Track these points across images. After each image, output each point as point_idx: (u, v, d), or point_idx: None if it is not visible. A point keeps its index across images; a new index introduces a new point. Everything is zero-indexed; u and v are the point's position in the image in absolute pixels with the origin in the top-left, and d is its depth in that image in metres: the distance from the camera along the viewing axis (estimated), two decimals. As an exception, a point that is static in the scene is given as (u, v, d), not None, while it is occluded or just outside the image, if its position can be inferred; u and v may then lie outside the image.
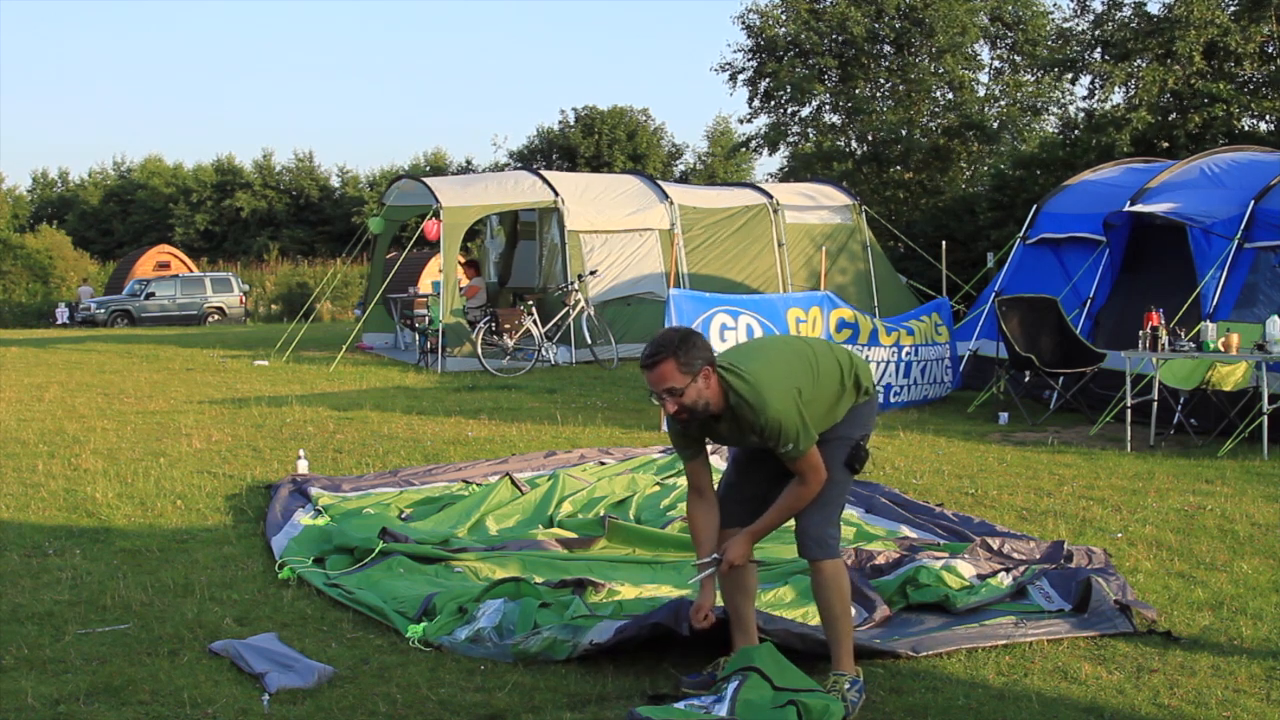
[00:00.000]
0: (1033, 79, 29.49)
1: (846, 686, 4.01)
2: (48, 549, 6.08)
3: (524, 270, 18.84)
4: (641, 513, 6.84)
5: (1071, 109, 27.49)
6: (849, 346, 10.96)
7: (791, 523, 4.18)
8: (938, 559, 5.35)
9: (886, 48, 30.42)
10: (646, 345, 3.90)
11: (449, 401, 12.28)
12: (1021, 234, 13.42)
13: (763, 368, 3.96)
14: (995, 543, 5.73)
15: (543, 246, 17.88)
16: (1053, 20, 29.16)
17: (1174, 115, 22.33)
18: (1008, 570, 5.31)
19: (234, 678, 4.28)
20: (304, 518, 6.53)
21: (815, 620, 4.84)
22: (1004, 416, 10.83)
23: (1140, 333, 9.48)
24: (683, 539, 6.15)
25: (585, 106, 45.92)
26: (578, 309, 15.95)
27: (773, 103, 31.36)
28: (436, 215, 15.97)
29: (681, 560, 5.82)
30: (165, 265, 38.92)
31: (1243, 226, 10.55)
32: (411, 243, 17.75)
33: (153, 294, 34.25)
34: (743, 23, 30.65)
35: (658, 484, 7.42)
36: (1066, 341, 11.17)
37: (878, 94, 31.02)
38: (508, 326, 15.49)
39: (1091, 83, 24.56)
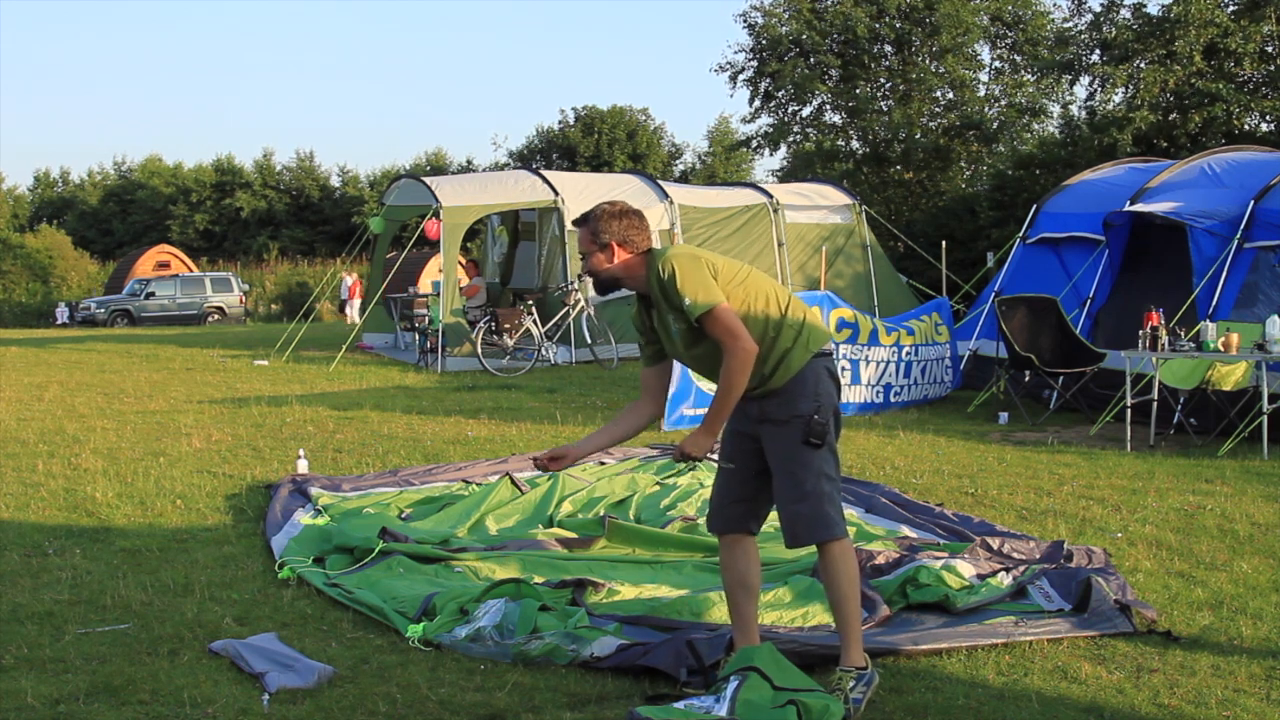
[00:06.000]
0: (1033, 79, 29.52)
1: (851, 684, 3.98)
2: (48, 549, 6.08)
3: (524, 270, 18.84)
4: (641, 513, 6.84)
5: (1072, 109, 27.54)
6: (849, 346, 11.00)
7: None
8: (938, 559, 5.35)
9: (887, 47, 30.45)
10: None
11: (449, 401, 12.28)
12: (1021, 234, 13.41)
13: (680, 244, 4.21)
14: (995, 542, 5.72)
15: (543, 246, 17.88)
16: (1052, 21, 29.20)
17: (1174, 115, 22.34)
18: (1008, 570, 5.31)
19: (234, 678, 4.27)
20: (304, 517, 6.53)
21: (815, 620, 4.86)
22: (1004, 416, 10.83)
23: (1140, 332, 9.48)
24: (683, 539, 6.16)
25: (585, 106, 46.04)
26: (578, 309, 15.96)
27: (773, 102, 31.40)
28: (436, 215, 15.98)
29: (681, 560, 5.82)
30: (165, 265, 38.94)
31: (1243, 226, 10.54)
32: (411, 243, 17.76)
33: (153, 294, 34.27)
34: (745, 20, 30.73)
35: (658, 484, 7.42)
36: (1066, 341, 11.16)
37: (878, 94, 31.04)
38: (508, 326, 15.50)
39: (1091, 83, 24.58)
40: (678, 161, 48.52)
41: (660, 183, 18.16)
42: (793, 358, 4.09)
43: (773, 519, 4.37)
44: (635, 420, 4.35)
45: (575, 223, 4.25)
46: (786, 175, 31.93)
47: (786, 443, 4.07)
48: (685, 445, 4.12)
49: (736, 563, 4.24)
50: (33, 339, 24.55)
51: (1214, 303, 10.33)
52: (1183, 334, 9.58)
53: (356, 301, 31.80)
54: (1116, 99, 23.65)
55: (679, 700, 3.95)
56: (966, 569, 5.25)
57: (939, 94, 30.72)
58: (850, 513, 6.49)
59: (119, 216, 53.06)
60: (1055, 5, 32.84)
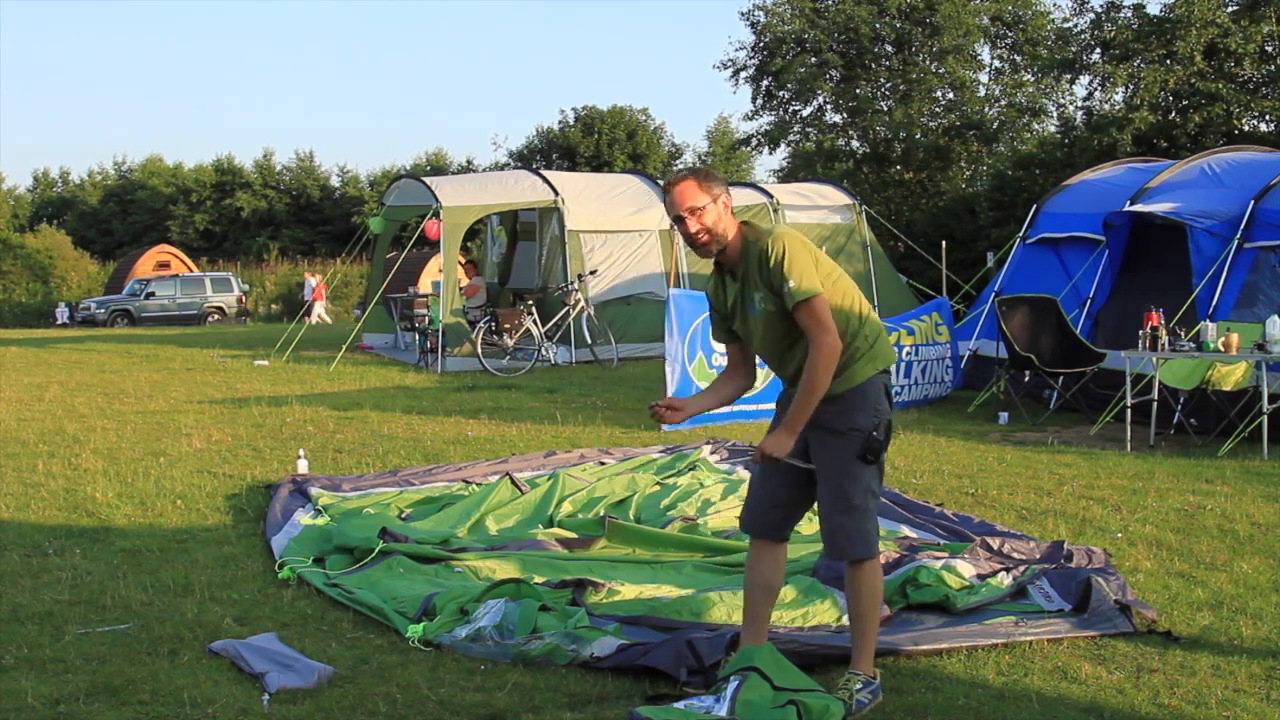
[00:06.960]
0: (1033, 79, 29.55)
1: (858, 686, 3.98)
2: (48, 549, 6.08)
3: (524, 270, 18.84)
4: (641, 513, 6.83)
5: (1071, 109, 27.56)
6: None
7: (803, 525, 4.14)
8: (938, 559, 5.35)
9: (888, 47, 30.47)
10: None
11: (449, 401, 12.28)
12: (1021, 234, 13.41)
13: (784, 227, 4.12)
14: (995, 542, 5.72)
15: (543, 246, 17.88)
16: (1053, 21, 29.22)
17: (1174, 115, 22.35)
18: (1008, 570, 5.31)
19: (234, 678, 4.27)
20: (304, 517, 6.53)
21: (815, 620, 4.86)
22: (1004, 416, 10.82)
23: (1140, 332, 9.47)
24: (683, 539, 6.16)
25: (585, 106, 46.04)
26: (578, 309, 15.95)
27: (775, 101, 31.44)
28: (436, 215, 15.98)
29: (681, 560, 5.82)
30: (165, 265, 38.95)
31: (1243, 226, 10.54)
32: (411, 243, 17.75)
33: (153, 294, 34.28)
34: (748, 19, 30.81)
35: (658, 484, 7.42)
36: (1066, 341, 11.16)
37: (879, 94, 31.07)
38: (508, 326, 15.49)
39: (1091, 83, 24.60)
40: (678, 161, 48.50)
41: (660, 183, 18.17)
42: (858, 368, 4.07)
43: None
44: (732, 389, 4.30)
45: (669, 186, 4.01)
46: (787, 175, 31.97)
47: (841, 454, 4.02)
48: (766, 445, 4.01)
49: (763, 565, 4.20)
50: (33, 339, 24.56)
51: (1214, 303, 10.33)
52: (1183, 334, 9.58)
53: (320, 304, 31.67)
54: (1117, 99, 23.68)
55: (679, 700, 3.95)
56: (966, 569, 5.25)
57: (939, 94, 30.74)
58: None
59: (119, 216, 53.06)
60: (1055, 5, 32.89)
